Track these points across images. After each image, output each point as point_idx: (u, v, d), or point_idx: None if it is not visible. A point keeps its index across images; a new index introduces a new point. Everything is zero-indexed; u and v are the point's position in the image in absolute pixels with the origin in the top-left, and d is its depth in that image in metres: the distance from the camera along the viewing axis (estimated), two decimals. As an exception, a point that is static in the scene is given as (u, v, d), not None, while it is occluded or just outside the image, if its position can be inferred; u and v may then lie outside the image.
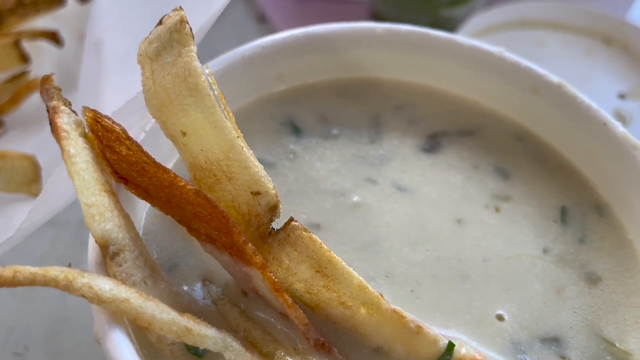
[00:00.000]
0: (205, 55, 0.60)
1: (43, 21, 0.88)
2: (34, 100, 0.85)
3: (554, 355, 0.45)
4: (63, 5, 0.86)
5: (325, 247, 0.41)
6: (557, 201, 0.54)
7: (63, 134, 0.39)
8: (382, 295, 0.41)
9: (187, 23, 0.43)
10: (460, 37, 0.57)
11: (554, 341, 0.46)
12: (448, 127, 0.58)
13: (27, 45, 0.84)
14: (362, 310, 0.42)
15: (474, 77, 0.57)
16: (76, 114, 0.42)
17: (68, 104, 0.42)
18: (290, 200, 0.51)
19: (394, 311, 0.41)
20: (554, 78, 0.55)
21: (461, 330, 0.45)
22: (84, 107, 0.42)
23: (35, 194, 0.66)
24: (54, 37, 0.85)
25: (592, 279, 0.49)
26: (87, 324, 0.71)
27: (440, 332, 0.43)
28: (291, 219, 0.42)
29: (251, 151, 0.43)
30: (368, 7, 1.02)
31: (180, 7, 0.44)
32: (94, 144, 0.42)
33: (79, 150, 0.39)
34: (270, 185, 0.43)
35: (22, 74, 0.82)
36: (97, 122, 0.41)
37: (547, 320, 0.47)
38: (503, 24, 1.03)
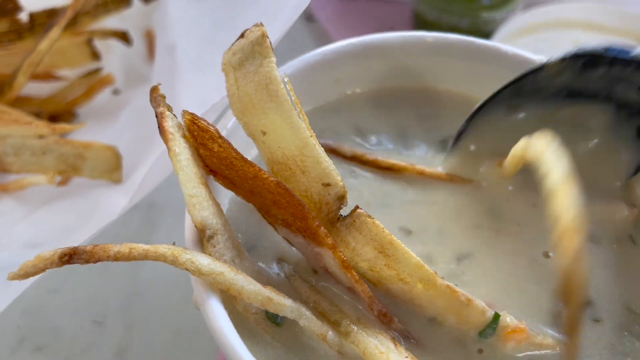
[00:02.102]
0: None
1: (110, 20, 0.95)
2: (104, 94, 0.93)
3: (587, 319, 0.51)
4: (130, 6, 0.94)
5: (387, 231, 0.48)
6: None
7: (170, 136, 0.47)
8: (436, 273, 0.48)
9: (267, 37, 0.50)
10: (503, 45, 0.63)
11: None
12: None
13: (98, 44, 0.92)
14: (419, 286, 0.48)
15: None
16: (176, 117, 0.49)
17: (170, 109, 0.49)
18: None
19: (447, 286, 0.48)
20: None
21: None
22: (183, 110, 0.49)
23: (115, 181, 0.73)
24: (124, 37, 0.92)
25: None
26: (156, 297, 0.79)
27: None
28: (357, 207, 0.49)
29: (322, 148, 0.49)
30: (410, 7, 1.07)
31: (261, 23, 0.51)
32: (190, 143, 0.49)
33: (182, 150, 0.46)
34: (339, 178, 0.49)
35: (97, 71, 0.90)
36: (194, 123, 0.48)
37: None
38: (541, 25, 1.07)
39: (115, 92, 0.95)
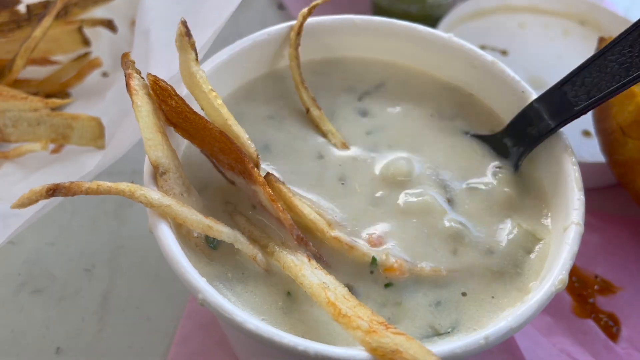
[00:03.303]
0: (234, 35, 0.77)
1: (99, 11, 1.07)
2: (94, 76, 1.04)
3: None
4: (115, -2, 1.05)
5: (289, 194, 0.61)
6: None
7: (134, 91, 0.58)
8: (324, 230, 0.61)
9: (185, 36, 0.60)
10: (419, 26, 0.74)
11: None
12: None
13: (88, 31, 1.04)
14: (318, 234, 0.61)
15: (430, 55, 0.74)
16: (144, 79, 0.60)
17: (138, 72, 0.60)
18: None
19: (335, 238, 0.61)
20: (489, 57, 0.72)
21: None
22: (147, 73, 0.60)
23: (100, 147, 0.85)
24: (109, 25, 1.04)
25: None
26: (138, 249, 0.91)
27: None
28: (268, 173, 0.62)
29: (240, 127, 0.62)
30: (370, -4, 1.17)
31: (182, 22, 0.61)
32: (154, 100, 0.60)
33: (143, 103, 0.58)
34: (254, 148, 0.62)
35: (85, 55, 1.02)
36: (156, 83, 0.60)
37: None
38: (488, 10, 1.17)
39: (104, 74, 1.07)
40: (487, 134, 0.71)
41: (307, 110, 0.71)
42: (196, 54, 0.60)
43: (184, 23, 0.60)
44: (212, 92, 0.61)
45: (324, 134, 0.70)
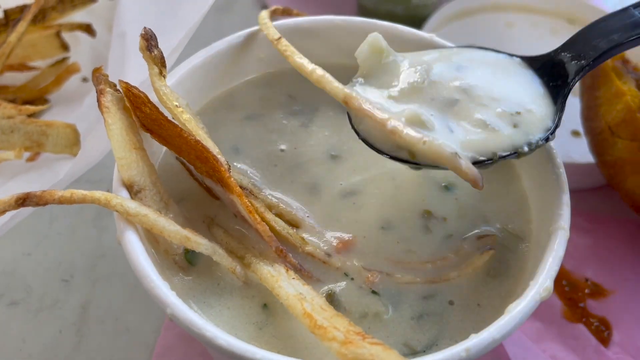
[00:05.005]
0: (217, 37, 0.76)
1: (78, 15, 1.05)
2: (73, 81, 1.02)
3: None
4: (95, 1, 1.03)
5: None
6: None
7: (105, 109, 0.56)
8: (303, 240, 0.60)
9: (147, 50, 0.59)
10: (400, 26, 0.72)
11: None
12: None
13: (66, 36, 1.02)
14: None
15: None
16: (119, 92, 0.58)
17: (113, 86, 0.58)
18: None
19: (309, 253, 0.60)
20: (471, 57, 0.70)
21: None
22: (119, 80, 0.58)
23: (75, 155, 0.83)
24: (88, 29, 1.02)
25: None
26: (118, 258, 0.88)
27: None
28: None
29: (204, 145, 0.59)
30: (355, -3, 1.15)
31: (142, 34, 0.59)
32: (129, 113, 0.58)
33: (115, 120, 0.56)
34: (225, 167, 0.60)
35: (63, 60, 1.00)
36: (129, 90, 0.58)
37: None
38: (476, 9, 1.15)
39: (84, 79, 1.05)
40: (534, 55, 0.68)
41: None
42: (160, 67, 0.58)
43: (144, 35, 0.57)
44: (177, 108, 0.59)
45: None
